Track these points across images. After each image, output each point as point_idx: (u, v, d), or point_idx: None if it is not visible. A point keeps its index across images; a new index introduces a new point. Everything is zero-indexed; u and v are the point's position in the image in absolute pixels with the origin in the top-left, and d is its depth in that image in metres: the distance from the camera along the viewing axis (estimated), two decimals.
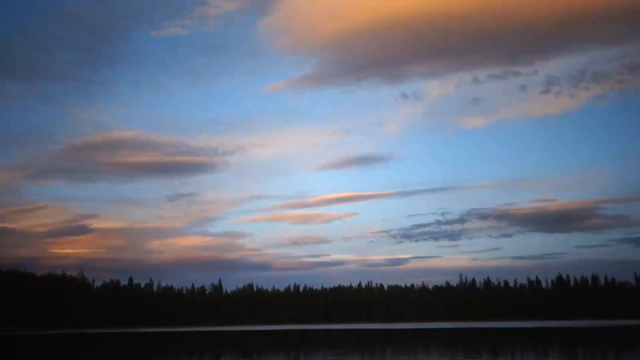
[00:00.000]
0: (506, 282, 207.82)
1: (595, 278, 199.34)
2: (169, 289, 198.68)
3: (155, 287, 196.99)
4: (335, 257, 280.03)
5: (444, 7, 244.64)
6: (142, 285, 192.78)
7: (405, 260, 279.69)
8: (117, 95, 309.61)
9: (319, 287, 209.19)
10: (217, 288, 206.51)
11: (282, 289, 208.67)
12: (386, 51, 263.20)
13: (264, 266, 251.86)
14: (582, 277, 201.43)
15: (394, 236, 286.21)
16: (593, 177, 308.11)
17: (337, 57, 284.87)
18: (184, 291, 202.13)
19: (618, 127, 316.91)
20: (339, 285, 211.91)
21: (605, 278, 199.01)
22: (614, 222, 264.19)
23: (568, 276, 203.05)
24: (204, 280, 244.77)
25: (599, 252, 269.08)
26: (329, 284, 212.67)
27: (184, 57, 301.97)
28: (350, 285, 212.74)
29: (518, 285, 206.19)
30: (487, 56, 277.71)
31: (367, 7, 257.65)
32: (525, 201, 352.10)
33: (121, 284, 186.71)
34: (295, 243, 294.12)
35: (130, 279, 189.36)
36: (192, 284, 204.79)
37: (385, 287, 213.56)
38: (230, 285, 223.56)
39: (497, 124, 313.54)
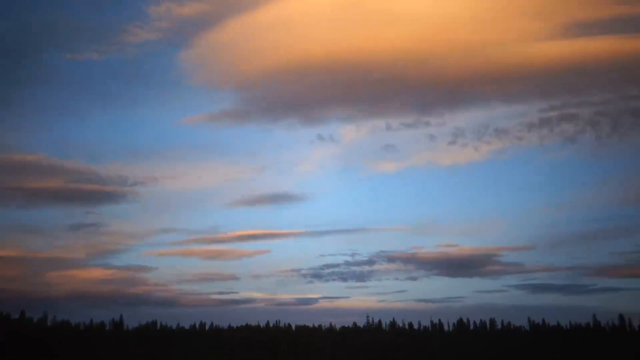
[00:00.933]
0: (410, 324, 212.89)
1: (492, 322, 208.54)
2: (65, 324, 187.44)
3: (49, 322, 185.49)
4: (244, 295, 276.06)
5: (364, 55, 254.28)
6: (35, 320, 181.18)
7: (314, 300, 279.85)
8: (23, 117, 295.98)
9: (226, 326, 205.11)
10: (118, 324, 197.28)
11: (187, 327, 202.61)
12: (305, 93, 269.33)
13: (170, 302, 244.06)
14: (480, 320, 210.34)
15: (304, 276, 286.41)
16: (493, 225, 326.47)
17: (257, 95, 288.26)
18: (81, 327, 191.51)
19: (516, 179, 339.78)
20: (247, 324, 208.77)
21: (502, 322, 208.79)
22: (511, 268, 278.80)
23: (468, 319, 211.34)
24: (105, 316, 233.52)
25: (496, 297, 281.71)
26: (237, 322, 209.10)
27: (99, 83, 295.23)
28: (258, 324, 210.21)
29: (422, 327, 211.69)
30: (401, 105, 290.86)
31: (289, 48, 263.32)
32: (431, 245, 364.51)
33: (12, 318, 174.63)
34: (203, 279, 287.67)
35: (22, 313, 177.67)
36: (91, 319, 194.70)
37: (293, 326, 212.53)
38: (133, 321, 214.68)
39: (407, 170, 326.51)
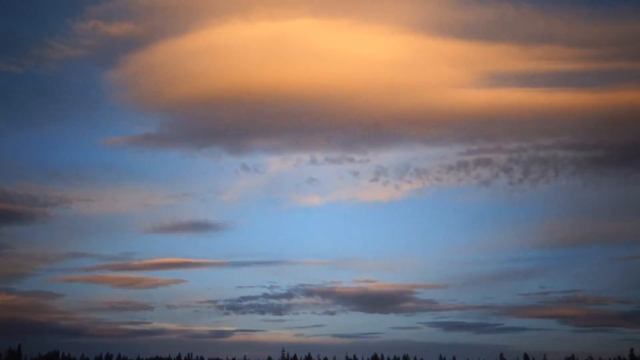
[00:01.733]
0: (326, 359, 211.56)
1: (406, 358, 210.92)
2: None
3: None
4: (157, 325, 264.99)
5: (292, 89, 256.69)
6: None
7: (229, 333, 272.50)
8: None
9: (135, 357, 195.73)
10: (15, 354, 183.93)
11: (92, 358, 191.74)
12: (231, 122, 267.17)
13: (75, 331, 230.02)
14: (394, 356, 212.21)
15: (221, 307, 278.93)
16: (411, 262, 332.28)
17: (182, 120, 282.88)
18: None
19: (434, 219, 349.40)
20: (157, 356, 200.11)
21: (415, 358, 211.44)
22: (425, 306, 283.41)
23: (382, 355, 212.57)
24: (0, 345, 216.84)
25: (411, 333, 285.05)
26: (147, 354, 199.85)
27: (14, 97, 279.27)
28: (169, 356, 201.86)
29: None
30: (326, 140, 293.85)
31: (217, 76, 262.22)
32: (350, 280, 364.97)
33: None
34: (114, 308, 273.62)
35: None
36: None
37: (206, 359, 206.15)
38: (32, 351, 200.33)
39: (330, 204, 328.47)
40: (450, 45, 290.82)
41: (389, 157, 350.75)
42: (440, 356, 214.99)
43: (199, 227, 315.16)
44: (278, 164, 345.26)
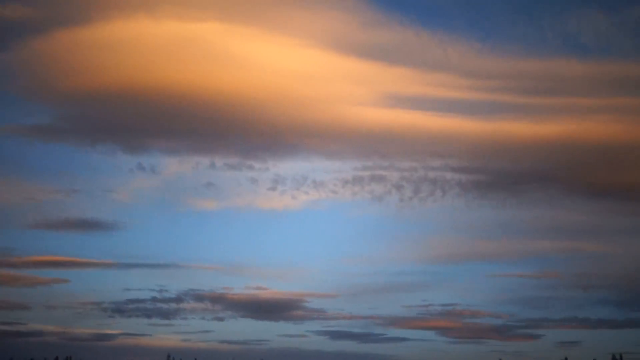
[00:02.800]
0: None
1: None
2: None
3: None
4: (33, 327, 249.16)
5: (195, 91, 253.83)
6: None
7: (113, 336, 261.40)
8: None
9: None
10: None
11: None
12: (129, 119, 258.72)
13: None
14: None
15: (105, 309, 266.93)
16: (303, 271, 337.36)
17: (76, 114, 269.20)
18: None
19: (328, 230, 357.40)
20: (31, 359, 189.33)
21: None
22: (314, 314, 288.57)
23: None
24: None
25: (298, 341, 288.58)
26: (20, 357, 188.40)
27: None
28: (45, 359, 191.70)
29: None
30: (227, 146, 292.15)
31: (118, 71, 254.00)
32: (242, 287, 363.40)
33: None
34: None
35: None
36: None
37: None
38: None
39: (226, 210, 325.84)
40: (353, 63, 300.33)
41: (287, 167, 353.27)
42: None
43: (87, 225, 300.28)
44: (176, 166, 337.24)
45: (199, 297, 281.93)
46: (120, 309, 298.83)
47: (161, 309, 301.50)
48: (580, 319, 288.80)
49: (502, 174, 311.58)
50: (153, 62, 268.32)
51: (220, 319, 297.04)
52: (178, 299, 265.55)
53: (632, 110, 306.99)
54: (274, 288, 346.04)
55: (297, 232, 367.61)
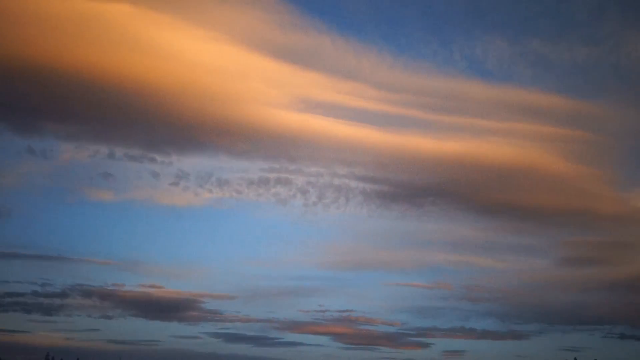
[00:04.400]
0: None
1: None
2: None
3: None
4: None
5: (98, 75, 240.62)
6: None
7: None
8: None
9: None
10: None
11: None
12: (22, 98, 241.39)
13: None
14: None
15: None
16: (201, 271, 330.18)
17: None
18: None
19: (230, 230, 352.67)
20: None
21: None
22: (210, 316, 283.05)
23: None
24: None
25: (191, 343, 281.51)
26: None
27: None
28: None
29: None
30: (129, 136, 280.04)
31: (13, 45, 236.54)
32: (134, 284, 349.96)
33: None
34: None
35: None
36: None
37: None
38: None
39: (123, 203, 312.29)
40: (267, 63, 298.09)
41: (192, 162, 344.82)
42: None
43: None
44: (71, 153, 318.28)
45: (87, 293, 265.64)
46: None
47: (43, 304, 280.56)
48: (467, 330, 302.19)
49: (404, 186, 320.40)
50: (54, 39, 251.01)
51: (109, 317, 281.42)
52: (63, 294, 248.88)
53: (525, 136, 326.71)
54: (169, 287, 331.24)
55: (198, 230, 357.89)
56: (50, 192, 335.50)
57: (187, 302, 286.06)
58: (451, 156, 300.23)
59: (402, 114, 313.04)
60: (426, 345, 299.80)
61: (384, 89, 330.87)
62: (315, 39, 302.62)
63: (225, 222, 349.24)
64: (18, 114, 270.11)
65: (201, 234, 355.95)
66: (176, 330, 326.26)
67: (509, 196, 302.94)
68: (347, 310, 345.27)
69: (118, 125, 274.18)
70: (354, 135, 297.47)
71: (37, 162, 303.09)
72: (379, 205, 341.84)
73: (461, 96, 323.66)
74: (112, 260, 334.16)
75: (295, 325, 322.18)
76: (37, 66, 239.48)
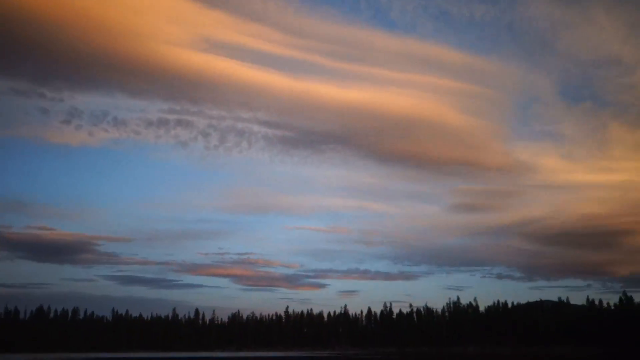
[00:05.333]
0: None
1: (76, 311, 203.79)
2: None
3: None
4: None
5: None
6: None
7: None
8: None
9: None
10: None
11: None
12: None
13: None
14: (63, 309, 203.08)
15: None
16: (96, 213, 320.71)
17: None
18: None
19: (127, 172, 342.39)
20: None
21: (86, 312, 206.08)
22: (105, 258, 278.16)
23: (49, 307, 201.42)
24: None
25: (85, 285, 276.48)
26: None
27: None
28: None
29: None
30: (15, 67, 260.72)
31: None
32: (21, 226, 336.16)
33: None
34: None
35: None
36: None
37: None
38: None
39: (8, 140, 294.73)
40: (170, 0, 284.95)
41: (86, 100, 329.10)
42: (114, 309, 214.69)
43: None
44: None
45: None
46: None
47: None
48: (361, 271, 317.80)
49: (306, 132, 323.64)
50: None
51: None
52: None
53: (424, 87, 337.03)
54: (61, 229, 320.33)
55: (93, 171, 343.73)
56: None
57: (81, 245, 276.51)
58: (353, 104, 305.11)
59: (307, 59, 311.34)
60: (323, 286, 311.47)
61: (289, 33, 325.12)
62: None
63: (122, 164, 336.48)
64: None
65: (96, 175, 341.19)
66: (69, 273, 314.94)
67: (406, 145, 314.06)
68: (247, 253, 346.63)
69: (2, 55, 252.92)
70: (257, 78, 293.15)
71: None
72: (281, 150, 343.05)
73: (365, 45, 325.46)
74: None
75: (194, 268, 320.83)
76: None
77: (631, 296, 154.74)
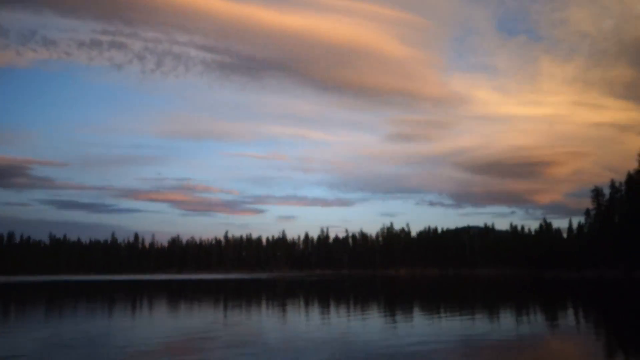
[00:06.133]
0: None
1: (11, 235, 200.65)
2: None
3: None
4: None
5: None
6: None
7: None
8: None
9: None
10: None
11: None
12: None
13: None
14: None
15: None
16: (28, 136, 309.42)
17: None
18: None
19: (59, 94, 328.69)
20: None
21: (22, 236, 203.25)
22: (40, 183, 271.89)
23: None
24: None
25: (19, 210, 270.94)
26: None
27: None
28: None
29: None
30: None
31: None
32: None
33: None
34: None
35: None
36: None
37: None
38: None
39: None
40: None
41: (11, 17, 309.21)
42: (51, 233, 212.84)
43: None
44: None
45: None
46: None
47: None
48: (299, 197, 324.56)
49: (245, 58, 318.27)
50: None
51: None
52: None
53: (364, 16, 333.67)
54: None
55: (22, 92, 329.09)
56: None
57: (12, 169, 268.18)
58: (294, 31, 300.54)
59: None
60: (261, 212, 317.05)
61: None
62: None
63: (53, 86, 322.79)
64: None
65: (26, 97, 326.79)
66: (1, 196, 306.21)
67: (345, 74, 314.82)
68: (185, 179, 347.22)
69: None
70: (194, 0, 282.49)
71: None
72: (219, 76, 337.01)
73: None
74: None
75: (132, 193, 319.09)
76: None
77: (550, 222, 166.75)
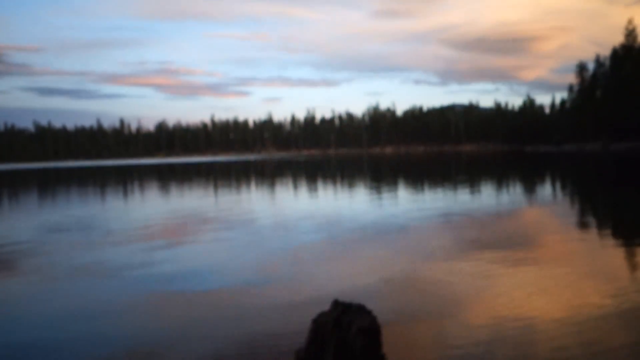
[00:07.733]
0: None
1: None
2: None
3: None
4: None
5: None
6: None
7: None
8: None
9: None
10: None
11: None
12: None
13: None
14: None
15: None
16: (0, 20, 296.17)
17: None
18: None
19: None
20: None
21: (5, 124, 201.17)
22: (16, 69, 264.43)
23: None
24: None
25: (0, 98, 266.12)
26: None
27: None
28: None
29: None
30: None
31: None
32: None
33: None
34: None
35: None
36: None
37: None
38: None
39: None
40: None
41: None
42: (35, 120, 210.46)
43: None
44: None
45: None
46: None
47: None
48: (284, 78, 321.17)
49: None
50: None
51: None
52: None
53: None
54: None
55: None
56: None
57: None
58: None
59: None
60: (246, 94, 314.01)
61: None
62: None
63: None
64: None
65: None
66: None
67: None
68: (167, 62, 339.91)
69: None
70: None
71: None
72: None
73: None
74: None
75: (114, 78, 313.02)
76: None
77: (534, 99, 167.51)
